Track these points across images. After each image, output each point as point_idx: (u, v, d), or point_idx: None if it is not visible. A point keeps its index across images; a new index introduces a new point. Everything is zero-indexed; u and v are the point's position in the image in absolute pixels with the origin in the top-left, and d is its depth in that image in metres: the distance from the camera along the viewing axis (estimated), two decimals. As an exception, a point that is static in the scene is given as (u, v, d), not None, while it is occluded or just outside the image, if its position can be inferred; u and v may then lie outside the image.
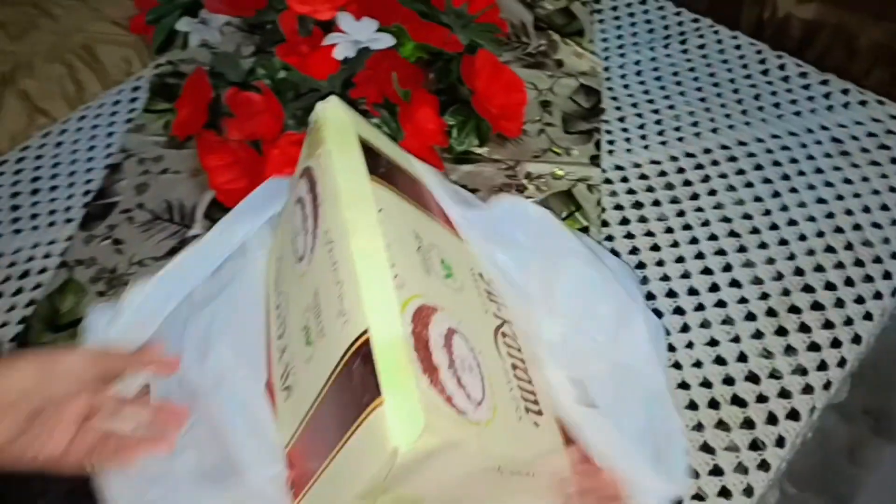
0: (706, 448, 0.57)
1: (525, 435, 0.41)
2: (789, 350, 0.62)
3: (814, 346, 0.62)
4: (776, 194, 0.72)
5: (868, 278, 0.66)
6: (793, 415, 0.59)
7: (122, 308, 0.48)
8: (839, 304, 0.64)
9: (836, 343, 0.62)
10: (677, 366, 0.62)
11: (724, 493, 0.55)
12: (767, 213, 0.71)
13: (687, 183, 0.74)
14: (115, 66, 0.97)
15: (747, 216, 0.71)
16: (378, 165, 0.44)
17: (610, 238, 0.70)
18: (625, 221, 0.72)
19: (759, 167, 0.75)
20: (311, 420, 0.41)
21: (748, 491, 0.55)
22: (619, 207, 0.73)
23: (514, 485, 0.41)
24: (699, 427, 0.58)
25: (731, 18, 0.90)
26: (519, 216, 0.54)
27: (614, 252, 0.69)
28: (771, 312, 0.64)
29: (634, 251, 0.69)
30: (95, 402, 0.42)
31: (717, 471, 0.56)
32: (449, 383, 0.36)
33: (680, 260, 0.68)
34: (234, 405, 0.45)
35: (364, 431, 0.34)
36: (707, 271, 0.67)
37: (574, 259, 0.51)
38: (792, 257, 0.67)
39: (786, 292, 0.65)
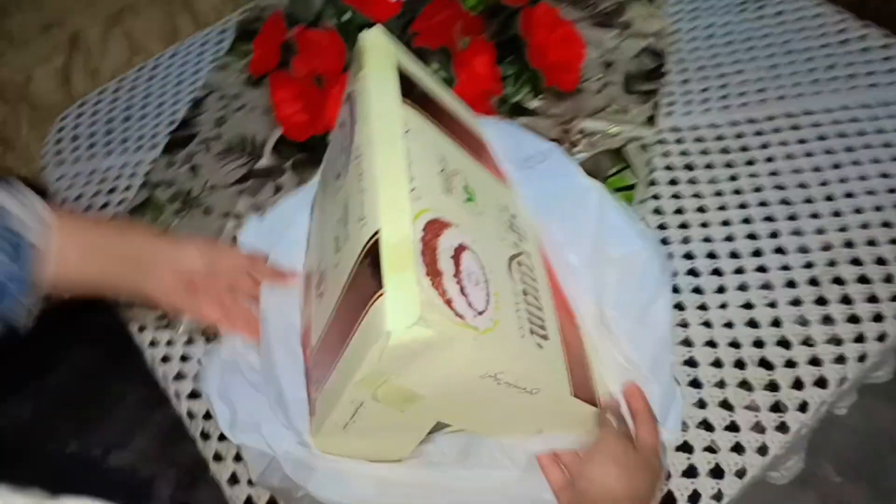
0: (725, 405, 0.58)
1: (525, 352, 0.43)
2: (827, 320, 0.61)
3: (853, 319, 0.61)
4: (836, 166, 0.70)
5: (924, 256, 0.63)
6: (821, 382, 0.58)
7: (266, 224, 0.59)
8: (888, 279, 0.62)
9: (878, 318, 0.60)
10: (707, 324, 0.62)
11: (738, 448, 0.56)
12: (824, 183, 0.69)
13: (744, 149, 0.73)
14: (208, 12, 1.04)
15: (803, 185, 0.69)
16: (413, 91, 0.47)
17: (656, 197, 0.71)
18: (674, 182, 0.72)
19: (822, 138, 0.73)
20: (334, 317, 0.45)
21: (762, 449, 0.55)
22: (669, 168, 0.73)
23: (512, 399, 0.44)
24: (721, 384, 0.59)
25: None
26: (567, 188, 0.56)
27: (657, 212, 0.70)
28: (813, 282, 0.63)
29: (680, 211, 0.69)
30: (240, 283, 0.53)
31: (732, 427, 0.57)
32: (451, 288, 0.39)
33: (725, 223, 0.68)
34: (279, 341, 0.50)
35: (367, 321, 0.38)
36: (752, 236, 0.67)
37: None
38: (844, 229, 0.66)
39: (832, 263, 0.64)
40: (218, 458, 0.58)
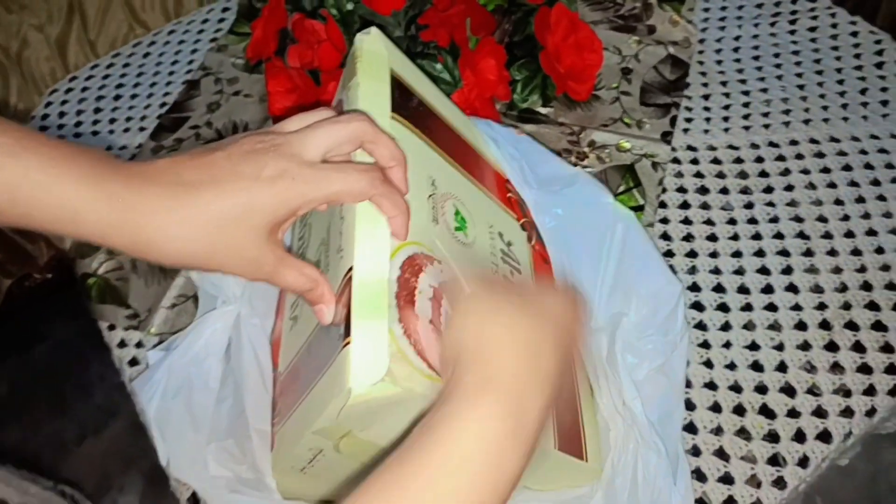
0: (720, 453, 0.54)
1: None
2: (836, 368, 0.57)
3: (864, 369, 0.57)
4: (860, 199, 0.66)
5: (947, 306, 0.59)
6: (824, 436, 0.54)
7: None
8: (906, 328, 0.58)
9: (891, 369, 0.57)
10: (708, 364, 0.58)
11: (730, 502, 0.52)
12: (846, 218, 0.65)
13: (763, 174, 0.69)
14: (214, -15, 0.99)
15: (822, 219, 0.65)
16: (407, 105, 0.43)
17: (665, 220, 0.67)
18: (685, 205, 0.68)
19: (847, 168, 0.68)
20: (304, 351, 0.41)
21: (756, 505, 0.52)
22: (681, 190, 0.69)
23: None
24: (718, 431, 0.55)
25: (869, 9, 0.81)
26: (594, 215, 0.52)
27: (665, 237, 0.66)
28: (825, 325, 0.59)
29: (688, 238, 0.65)
30: None
31: (726, 479, 0.53)
32: (426, 335, 0.35)
33: (737, 254, 0.64)
34: (249, 354, 0.46)
35: (333, 369, 0.34)
36: (764, 271, 0.63)
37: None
38: (862, 269, 0.62)
39: (846, 306, 0.60)
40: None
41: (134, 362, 0.61)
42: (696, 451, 0.54)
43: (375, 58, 0.43)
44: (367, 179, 0.35)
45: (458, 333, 0.33)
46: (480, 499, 0.28)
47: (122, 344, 0.62)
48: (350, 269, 0.35)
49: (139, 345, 0.62)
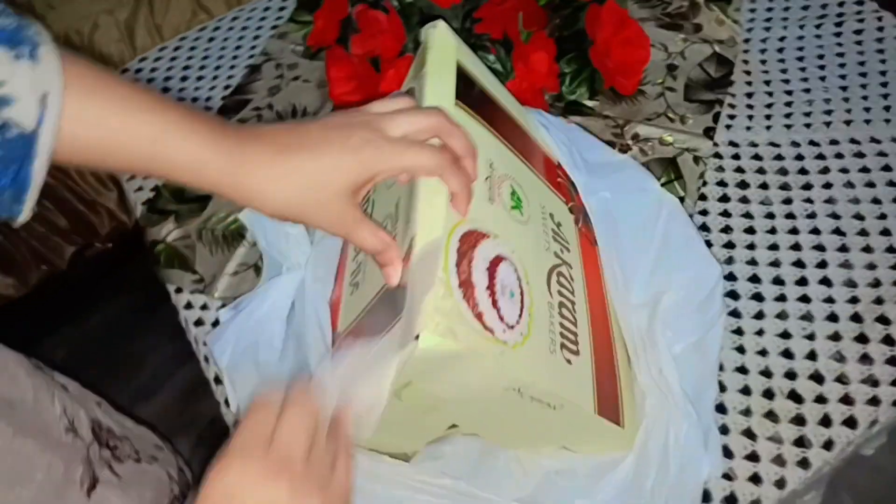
0: (748, 433, 0.57)
1: (553, 368, 0.43)
2: (865, 358, 0.59)
3: (893, 361, 0.59)
4: (897, 199, 0.68)
5: (979, 305, 0.61)
6: (850, 422, 0.57)
7: None
8: (936, 324, 0.60)
9: (919, 362, 0.59)
10: (741, 350, 0.61)
11: (755, 479, 0.55)
12: (882, 216, 0.67)
13: (803, 171, 0.71)
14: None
15: (859, 217, 0.67)
16: (470, 93, 0.47)
17: (704, 212, 0.69)
18: (724, 199, 0.70)
19: (886, 168, 0.70)
20: (366, 313, 0.45)
21: (780, 483, 0.54)
22: (722, 184, 0.71)
23: (535, 413, 0.44)
24: (746, 412, 0.58)
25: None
26: (641, 199, 0.55)
27: (704, 228, 0.68)
28: (856, 318, 0.61)
29: (727, 230, 0.68)
30: None
31: (753, 457, 0.56)
32: (482, 302, 0.39)
33: (773, 247, 0.66)
34: (311, 316, 0.51)
35: (399, 325, 0.38)
36: (799, 264, 0.65)
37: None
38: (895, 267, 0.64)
39: (879, 301, 0.62)
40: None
41: (199, 322, 0.66)
42: (724, 430, 0.57)
43: (443, 49, 0.47)
44: (440, 158, 0.39)
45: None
46: None
47: (189, 305, 0.67)
48: (414, 237, 0.39)
49: (204, 307, 0.67)
